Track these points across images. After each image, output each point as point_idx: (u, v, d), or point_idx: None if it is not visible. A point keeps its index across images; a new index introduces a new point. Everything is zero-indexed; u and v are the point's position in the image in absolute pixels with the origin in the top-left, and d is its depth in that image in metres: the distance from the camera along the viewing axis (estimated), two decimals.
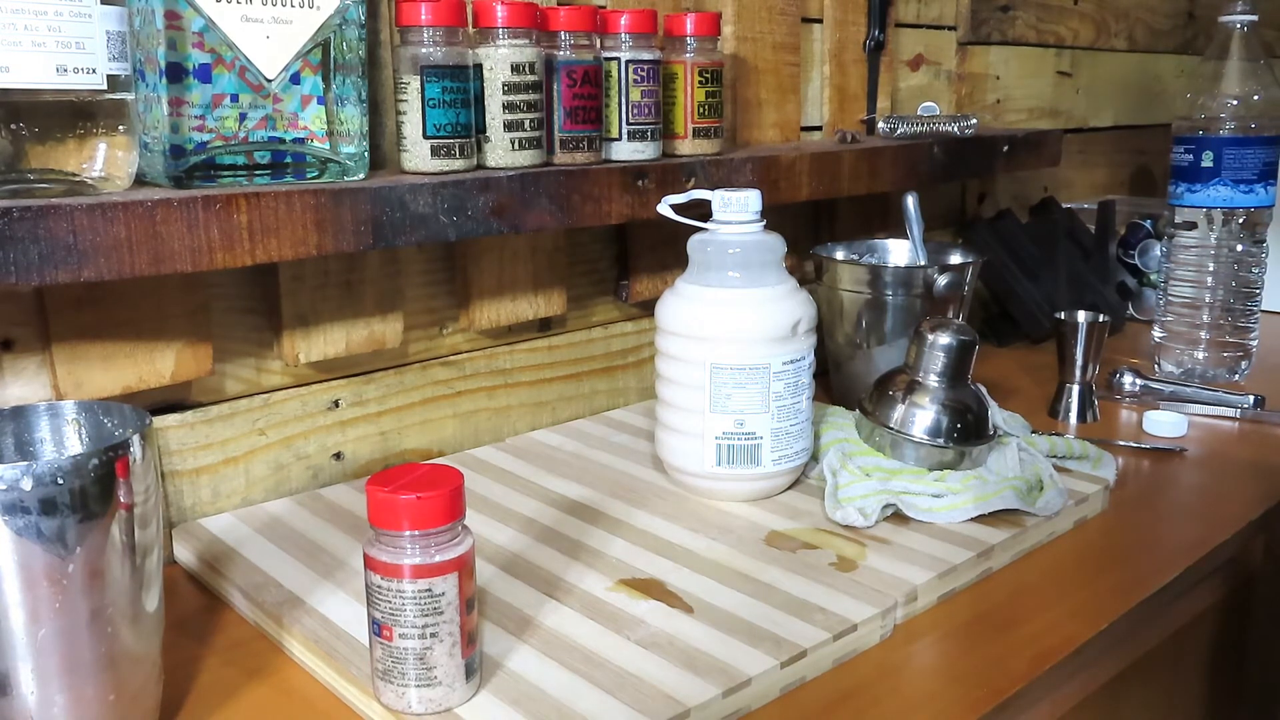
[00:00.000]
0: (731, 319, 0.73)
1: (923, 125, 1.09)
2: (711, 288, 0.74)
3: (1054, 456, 0.82)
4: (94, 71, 0.58)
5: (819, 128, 1.13)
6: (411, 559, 0.49)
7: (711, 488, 0.75)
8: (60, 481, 0.45)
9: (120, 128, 0.60)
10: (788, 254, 0.77)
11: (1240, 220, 1.08)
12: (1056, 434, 0.87)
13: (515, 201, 0.75)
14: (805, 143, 1.08)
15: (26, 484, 0.44)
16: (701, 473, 0.75)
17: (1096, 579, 0.68)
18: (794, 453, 0.75)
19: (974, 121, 1.10)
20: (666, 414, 0.76)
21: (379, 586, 0.50)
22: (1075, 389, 0.98)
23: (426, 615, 0.50)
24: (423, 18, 0.71)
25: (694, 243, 0.76)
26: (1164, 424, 0.94)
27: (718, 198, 0.74)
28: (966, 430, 0.76)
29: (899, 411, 0.77)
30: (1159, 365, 1.13)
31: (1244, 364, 1.10)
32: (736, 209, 0.74)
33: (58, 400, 0.62)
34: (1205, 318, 1.10)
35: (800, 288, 0.76)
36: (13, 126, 0.56)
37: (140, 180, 0.64)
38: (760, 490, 0.75)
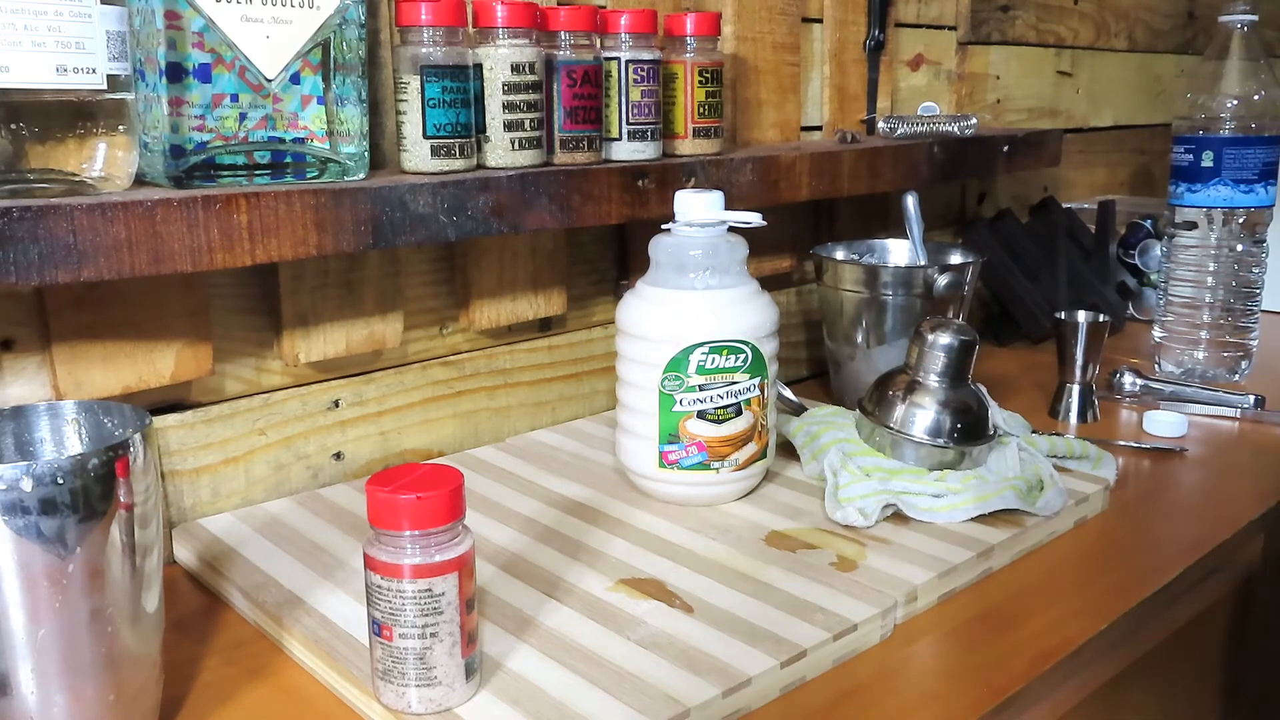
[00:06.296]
0: (689, 322, 0.71)
1: (923, 125, 1.09)
2: (670, 289, 0.73)
3: (1054, 456, 0.82)
4: (94, 71, 0.58)
5: (819, 128, 1.13)
6: (411, 559, 0.49)
7: (666, 491, 0.75)
8: (60, 481, 0.45)
9: (120, 128, 0.60)
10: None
11: (1240, 220, 1.08)
12: (1056, 434, 0.87)
13: (515, 201, 0.75)
14: (805, 143, 1.08)
15: (26, 484, 0.44)
16: (654, 476, 0.74)
17: (1096, 579, 0.68)
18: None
19: (974, 121, 1.10)
20: (623, 416, 0.76)
21: (379, 586, 0.50)
22: (1075, 389, 0.98)
23: (426, 615, 0.50)
24: (423, 18, 0.71)
25: (654, 244, 0.75)
26: (1164, 424, 0.94)
27: (679, 198, 0.73)
28: (966, 430, 0.76)
29: (899, 411, 0.77)
30: (1159, 365, 1.13)
31: (1244, 364, 1.10)
32: (698, 210, 0.73)
33: (58, 400, 0.62)
34: (1205, 318, 1.10)
35: (763, 291, 0.75)
36: (13, 126, 0.56)
37: (140, 180, 0.64)
38: (713, 495, 0.75)
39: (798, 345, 1.14)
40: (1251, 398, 0.99)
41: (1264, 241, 1.10)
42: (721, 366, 0.71)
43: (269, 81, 0.66)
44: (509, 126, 0.76)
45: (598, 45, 0.81)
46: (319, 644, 0.57)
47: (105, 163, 0.60)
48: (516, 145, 0.76)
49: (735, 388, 0.72)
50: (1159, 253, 1.26)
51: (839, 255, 1.01)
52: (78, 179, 0.59)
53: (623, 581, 0.64)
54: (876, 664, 0.59)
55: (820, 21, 1.11)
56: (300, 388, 0.79)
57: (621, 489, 0.78)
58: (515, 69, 0.75)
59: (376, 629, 0.51)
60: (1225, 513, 0.78)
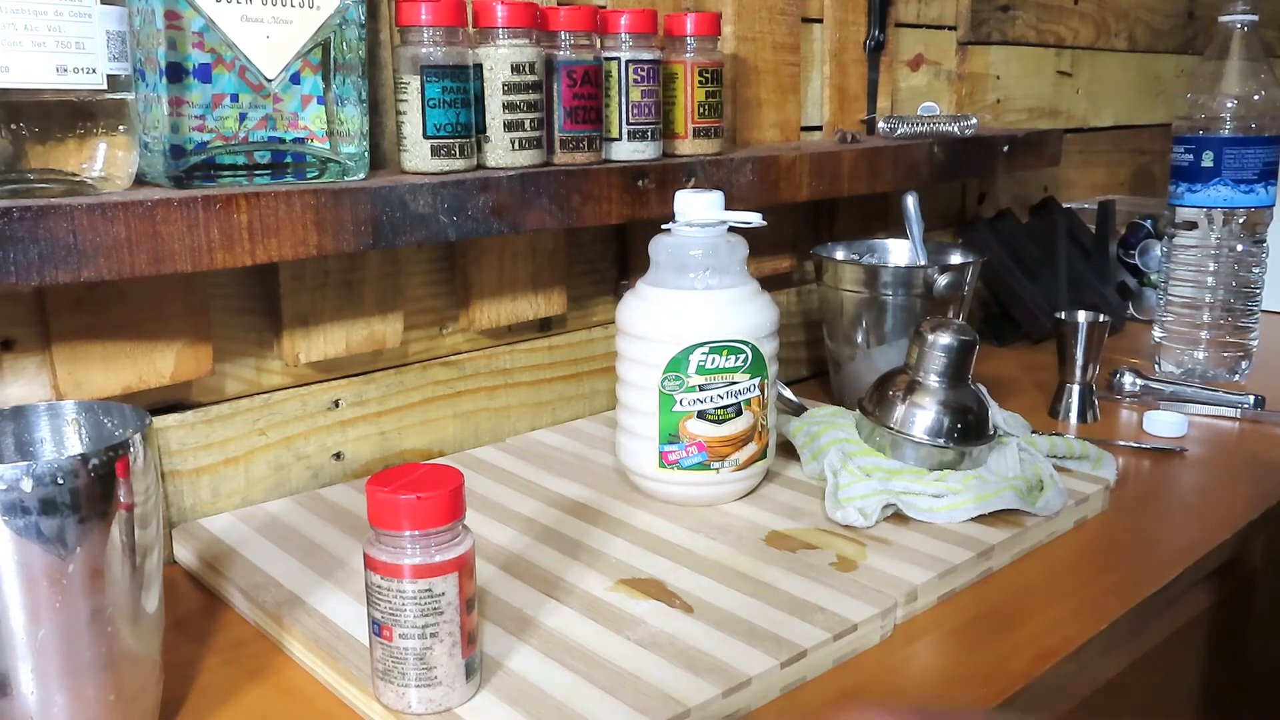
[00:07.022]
0: (689, 322, 0.71)
1: (923, 125, 1.09)
2: (669, 289, 0.73)
3: (1054, 456, 0.82)
4: (94, 71, 0.58)
5: (819, 128, 1.13)
6: (411, 559, 0.49)
7: (666, 491, 0.75)
8: (60, 481, 0.45)
9: (120, 128, 0.60)
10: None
11: (1240, 220, 1.08)
12: (1056, 434, 0.87)
13: (515, 201, 0.75)
14: (805, 143, 1.08)
15: (26, 484, 0.44)
16: (654, 476, 0.74)
17: (1096, 579, 0.68)
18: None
19: (974, 121, 1.10)
20: (624, 416, 0.76)
21: (379, 586, 0.50)
22: (1075, 389, 0.98)
23: (426, 615, 0.50)
24: (423, 18, 0.71)
25: (654, 244, 0.75)
26: (1164, 424, 0.94)
27: (679, 198, 0.73)
28: (967, 430, 0.76)
29: (899, 411, 0.77)
30: (1159, 365, 1.13)
31: (1244, 364, 1.10)
32: (698, 210, 0.73)
33: (58, 400, 0.62)
34: (1205, 318, 1.10)
35: (763, 291, 0.75)
36: (13, 126, 0.56)
37: (140, 180, 0.64)
38: (713, 495, 0.75)
39: (798, 345, 1.14)
40: (1251, 398, 0.99)
41: (1264, 241, 1.10)
42: (721, 366, 0.71)
43: (269, 81, 0.66)
44: (509, 126, 0.76)
45: (598, 45, 0.81)
46: (319, 644, 0.57)
47: (105, 163, 0.60)
48: (516, 145, 0.76)
49: (735, 388, 0.72)
50: (1159, 253, 1.26)
51: (839, 255, 1.01)
52: (78, 179, 0.59)
53: (623, 581, 0.64)
54: (876, 664, 0.59)
55: (820, 21, 1.11)
56: (300, 388, 0.79)
57: (621, 489, 0.78)
58: (515, 69, 0.75)
59: (376, 629, 0.51)
60: (1225, 513, 0.78)
